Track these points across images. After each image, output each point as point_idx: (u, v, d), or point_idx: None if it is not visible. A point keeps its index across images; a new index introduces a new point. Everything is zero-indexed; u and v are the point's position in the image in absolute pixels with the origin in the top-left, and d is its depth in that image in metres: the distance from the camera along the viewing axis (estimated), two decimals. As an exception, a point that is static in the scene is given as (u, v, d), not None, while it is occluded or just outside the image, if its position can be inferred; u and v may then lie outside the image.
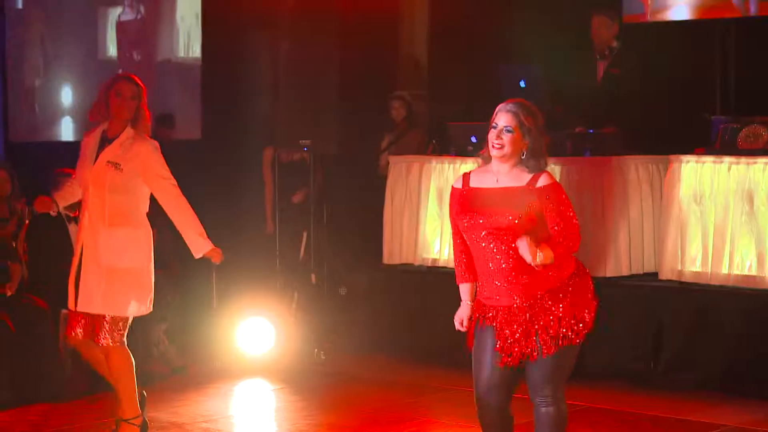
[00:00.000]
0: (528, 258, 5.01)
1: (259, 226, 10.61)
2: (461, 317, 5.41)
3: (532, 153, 5.19)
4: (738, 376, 7.80)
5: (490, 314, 5.25)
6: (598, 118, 8.95)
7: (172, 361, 8.74)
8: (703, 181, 8.11)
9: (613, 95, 9.07)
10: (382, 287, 9.53)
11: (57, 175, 8.62)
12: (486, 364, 5.27)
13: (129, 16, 12.75)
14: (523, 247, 5.01)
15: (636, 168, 8.67)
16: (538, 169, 5.19)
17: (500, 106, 5.27)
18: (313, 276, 9.39)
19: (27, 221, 9.07)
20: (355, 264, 10.00)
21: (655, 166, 8.70)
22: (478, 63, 10.25)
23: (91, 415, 7.51)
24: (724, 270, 8.03)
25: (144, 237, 6.63)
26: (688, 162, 8.19)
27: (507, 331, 5.20)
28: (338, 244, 10.39)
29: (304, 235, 10.14)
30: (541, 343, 5.18)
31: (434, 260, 9.27)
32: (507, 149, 5.18)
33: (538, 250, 4.99)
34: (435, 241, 9.27)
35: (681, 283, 8.21)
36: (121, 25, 12.78)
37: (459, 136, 9.27)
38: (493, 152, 5.21)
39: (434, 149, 9.60)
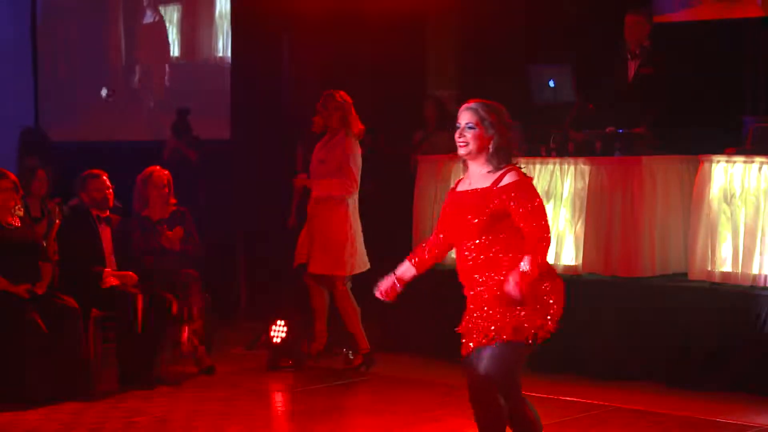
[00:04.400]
0: (516, 295, 5.05)
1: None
2: (380, 286, 5.65)
3: (498, 149, 5.25)
4: (769, 377, 7.77)
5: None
6: (629, 117, 8.91)
7: (202, 361, 8.76)
8: (734, 181, 8.07)
9: (644, 95, 9.03)
10: (412, 287, 9.50)
11: (86, 176, 8.65)
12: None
13: (165, 15, 12.79)
14: (511, 287, 5.05)
15: (666, 168, 8.64)
16: (504, 166, 5.25)
17: (462, 106, 5.40)
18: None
19: (57, 221, 9.14)
20: (384, 263, 9.98)
21: (685, 165, 8.66)
22: (508, 63, 10.22)
23: (120, 414, 7.53)
24: (755, 270, 8.00)
25: None
26: (718, 162, 8.15)
27: (469, 325, 5.31)
28: (367, 243, 10.39)
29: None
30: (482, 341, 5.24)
31: (463, 260, 9.25)
32: (471, 146, 5.28)
33: (522, 283, 5.02)
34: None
35: (711, 283, 8.17)
36: (157, 25, 12.84)
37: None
38: (460, 151, 5.31)
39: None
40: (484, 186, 5.25)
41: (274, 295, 10.23)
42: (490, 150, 5.26)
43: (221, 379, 8.59)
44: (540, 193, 8.60)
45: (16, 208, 8.23)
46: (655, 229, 8.54)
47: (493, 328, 5.21)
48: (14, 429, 7.22)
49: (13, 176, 8.29)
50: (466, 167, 5.39)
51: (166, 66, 12.91)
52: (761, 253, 7.97)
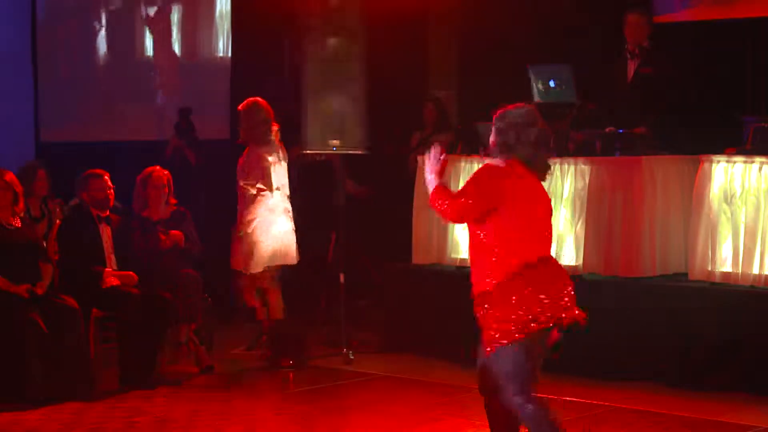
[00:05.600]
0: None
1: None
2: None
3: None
4: (769, 377, 7.76)
5: None
6: (629, 117, 8.91)
7: (201, 361, 8.77)
8: (734, 181, 8.07)
9: (644, 95, 9.02)
10: (412, 286, 9.53)
11: (87, 176, 8.66)
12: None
13: (164, 15, 12.79)
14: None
15: (666, 168, 8.64)
16: None
17: None
18: (341, 276, 9.39)
19: (57, 221, 9.13)
20: (384, 264, 10.00)
21: (685, 166, 8.66)
22: (508, 63, 10.22)
23: (121, 414, 7.53)
24: (755, 270, 8.00)
25: None
26: (719, 162, 8.15)
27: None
28: (367, 244, 10.38)
29: (333, 235, 10.15)
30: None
31: (463, 260, 9.25)
32: None
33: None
34: (463, 241, 9.26)
35: (711, 283, 8.17)
36: (156, 25, 12.83)
37: (488, 136, 9.24)
38: None
39: (463, 149, 9.59)
40: None
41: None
42: None
43: (221, 379, 8.59)
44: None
45: (17, 208, 8.23)
46: (655, 229, 8.54)
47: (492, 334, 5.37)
48: (15, 429, 7.22)
49: (11, 175, 8.29)
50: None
51: (167, 66, 12.91)
52: (761, 253, 7.96)
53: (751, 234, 8.01)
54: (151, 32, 12.86)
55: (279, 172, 9.21)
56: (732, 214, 8.10)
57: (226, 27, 12.16)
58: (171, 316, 8.52)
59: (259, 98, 9.27)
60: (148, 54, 13.00)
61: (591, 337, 8.43)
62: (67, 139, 13.11)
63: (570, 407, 7.58)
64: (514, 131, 5.57)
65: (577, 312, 5.40)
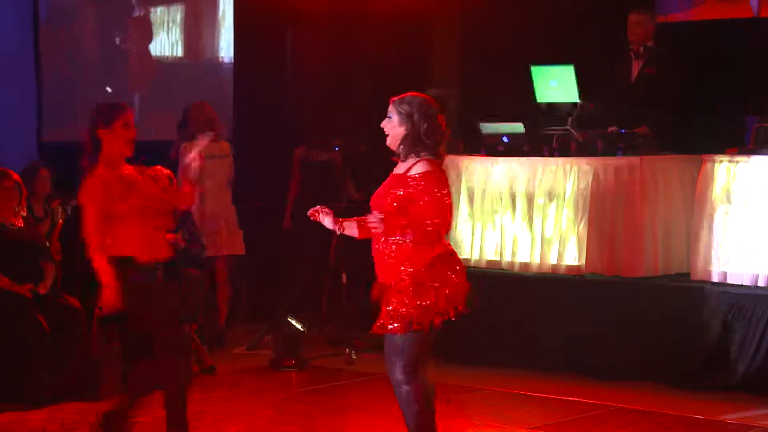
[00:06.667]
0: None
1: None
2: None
3: (409, 140, 5.58)
4: (771, 377, 7.76)
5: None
6: (632, 117, 8.91)
7: (203, 361, 8.77)
8: (736, 181, 8.07)
9: (647, 95, 9.01)
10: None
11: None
12: None
13: (166, 15, 12.79)
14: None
15: (668, 168, 8.64)
16: (416, 157, 5.58)
17: None
18: (344, 276, 9.40)
19: (60, 221, 9.15)
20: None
21: (687, 165, 8.66)
22: (510, 62, 10.21)
23: (123, 414, 7.53)
24: (756, 270, 7.99)
25: None
26: (721, 162, 8.15)
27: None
28: (369, 243, 10.37)
29: (335, 235, 10.14)
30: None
31: (465, 260, 9.24)
32: (389, 137, 5.68)
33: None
34: (466, 241, 9.26)
35: (713, 283, 8.17)
36: (158, 25, 12.83)
37: (490, 136, 9.27)
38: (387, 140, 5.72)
39: (465, 149, 9.59)
40: (399, 173, 5.62)
41: (275, 296, 10.24)
42: (400, 140, 5.64)
43: (222, 379, 8.60)
44: (543, 194, 8.76)
45: (19, 208, 8.25)
46: (657, 229, 8.54)
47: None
48: (18, 428, 7.24)
49: (15, 176, 8.31)
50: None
51: (169, 66, 12.91)
52: (763, 253, 7.96)
53: (752, 234, 8.01)
54: (154, 32, 12.86)
55: (213, 167, 9.66)
56: (734, 214, 8.10)
57: (228, 26, 12.15)
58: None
59: (203, 101, 9.90)
60: (151, 54, 13.00)
61: (592, 337, 8.47)
62: (70, 139, 13.10)
63: (571, 407, 7.59)
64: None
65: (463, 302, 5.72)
